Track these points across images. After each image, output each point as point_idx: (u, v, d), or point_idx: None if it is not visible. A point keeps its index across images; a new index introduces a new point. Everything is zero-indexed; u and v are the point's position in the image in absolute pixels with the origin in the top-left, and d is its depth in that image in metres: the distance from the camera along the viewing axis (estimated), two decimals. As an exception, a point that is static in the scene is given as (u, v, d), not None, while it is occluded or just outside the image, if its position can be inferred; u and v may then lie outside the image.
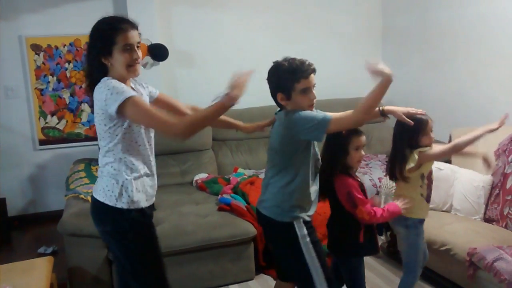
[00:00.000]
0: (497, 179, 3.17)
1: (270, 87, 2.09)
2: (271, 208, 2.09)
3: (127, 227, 1.95)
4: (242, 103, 5.38)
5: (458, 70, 4.23)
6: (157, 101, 2.21)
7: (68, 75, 4.38)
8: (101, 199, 1.94)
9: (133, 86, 2.01)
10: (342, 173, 2.21)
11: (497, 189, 3.14)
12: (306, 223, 2.08)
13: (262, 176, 4.02)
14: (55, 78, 4.36)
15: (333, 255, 2.39)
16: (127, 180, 1.92)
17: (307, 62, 2.00)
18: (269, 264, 3.27)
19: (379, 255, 3.49)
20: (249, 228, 3.15)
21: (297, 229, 2.04)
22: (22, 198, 4.46)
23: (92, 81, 1.90)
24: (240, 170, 4.22)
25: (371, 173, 3.97)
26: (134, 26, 1.89)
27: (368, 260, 3.12)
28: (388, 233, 3.49)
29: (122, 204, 1.92)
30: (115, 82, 1.82)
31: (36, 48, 4.27)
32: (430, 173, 2.43)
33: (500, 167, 3.19)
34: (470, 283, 2.70)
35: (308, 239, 2.04)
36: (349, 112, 1.90)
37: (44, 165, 4.45)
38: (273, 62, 2.08)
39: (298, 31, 4.92)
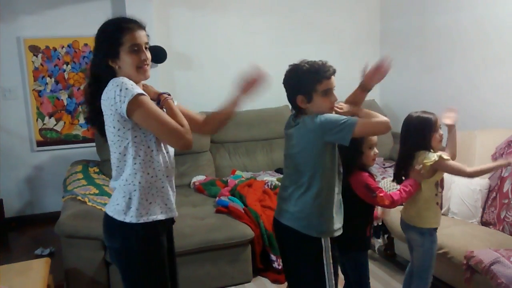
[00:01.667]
0: (494, 182, 3.18)
1: (288, 90, 2.01)
2: (297, 221, 1.97)
3: (134, 245, 1.81)
4: (240, 106, 5.34)
5: (455, 73, 4.24)
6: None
7: (66, 76, 4.38)
8: (110, 213, 1.83)
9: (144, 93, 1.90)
10: (358, 170, 2.24)
11: (494, 193, 3.15)
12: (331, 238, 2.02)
13: (259, 178, 4.02)
14: (53, 79, 4.36)
15: (341, 252, 2.40)
16: (135, 190, 1.78)
17: (328, 63, 1.95)
18: (266, 267, 3.27)
19: (376, 258, 3.50)
20: (247, 231, 3.15)
21: (323, 244, 1.97)
22: (19, 199, 4.45)
23: (100, 86, 1.76)
24: (238, 172, 4.22)
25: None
26: (141, 26, 1.81)
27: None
28: (386, 236, 3.50)
29: (130, 218, 1.79)
30: (125, 79, 1.72)
31: (34, 49, 4.27)
32: (442, 180, 2.43)
33: (497, 171, 3.20)
34: (467, 287, 2.70)
35: (330, 254, 1.99)
36: (379, 118, 1.92)
37: (41, 166, 4.44)
38: (290, 65, 2.01)
39: (296, 34, 4.93)
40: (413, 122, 2.39)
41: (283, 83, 2.02)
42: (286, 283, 2.95)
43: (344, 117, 1.89)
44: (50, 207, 4.43)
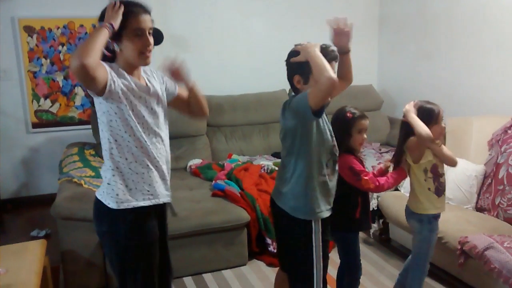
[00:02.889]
0: (490, 168, 3.19)
1: (288, 69, 1.99)
2: (292, 204, 2.01)
3: (120, 230, 1.81)
4: (237, 90, 5.37)
5: (453, 59, 4.23)
6: (177, 100, 2.05)
7: (61, 58, 4.34)
8: (99, 197, 1.84)
9: (146, 79, 1.88)
10: (345, 152, 2.24)
11: (490, 179, 3.17)
12: (322, 220, 2.05)
13: (256, 162, 4.03)
14: (48, 60, 4.31)
15: (331, 233, 2.43)
16: (114, 175, 1.78)
17: (330, 48, 1.93)
18: (261, 250, 3.29)
19: (371, 242, 3.53)
20: (243, 214, 3.16)
21: (313, 227, 2.01)
22: (15, 181, 4.44)
23: None
24: (234, 156, 4.22)
25: (365, 161, 3.98)
26: (146, 10, 1.76)
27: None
28: (381, 220, 3.52)
29: (113, 204, 1.78)
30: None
31: (29, 30, 4.21)
32: (435, 166, 2.39)
33: (493, 157, 3.21)
34: (461, 271, 2.74)
35: (320, 238, 2.03)
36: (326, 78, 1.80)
37: (37, 148, 4.43)
38: (295, 45, 1.98)
39: (294, 18, 4.89)
40: (416, 111, 2.35)
41: (286, 61, 2.00)
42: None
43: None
44: (46, 189, 4.43)
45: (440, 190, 2.40)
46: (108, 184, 1.79)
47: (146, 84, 1.86)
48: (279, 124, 2.06)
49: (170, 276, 2.10)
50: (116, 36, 1.71)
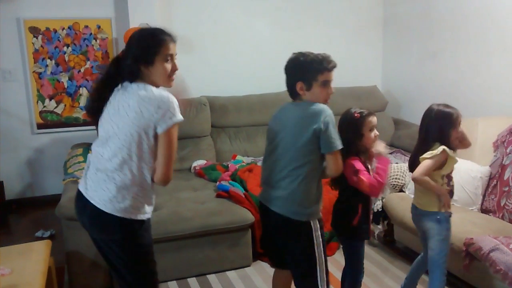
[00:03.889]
0: (495, 170, 3.18)
1: (289, 76, 2.12)
2: (288, 207, 2.07)
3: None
4: (241, 90, 5.36)
5: (458, 60, 4.21)
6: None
7: (66, 58, 4.35)
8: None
9: None
10: (353, 156, 2.24)
11: (495, 180, 3.15)
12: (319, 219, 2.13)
13: (260, 163, 4.01)
14: (53, 61, 4.33)
15: (337, 236, 2.43)
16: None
17: (331, 57, 2.08)
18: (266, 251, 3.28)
19: (375, 244, 3.52)
20: (247, 215, 3.16)
21: (312, 226, 2.08)
22: (20, 181, 4.46)
23: (116, 84, 1.94)
24: (238, 157, 4.22)
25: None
26: (174, 39, 1.93)
27: (364, 248, 3.14)
28: (385, 222, 3.51)
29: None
30: (173, 98, 1.83)
31: (34, 31, 4.23)
32: (451, 171, 2.41)
33: (498, 158, 3.20)
34: (466, 273, 2.72)
35: (319, 233, 2.10)
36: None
37: (42, 149, 4.44)
38: (294, 53, 2.12)
39: (299, 18, 4.89)
40: (433, 115, 2.35)
41: (285, 68, 2.11)
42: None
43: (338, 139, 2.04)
44: (51, 190, 4.44)
45: (452, 192, 2.43)
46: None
47: None
48: (286, 128, 2.13)
49: None
50: (149, 60, 1.86)
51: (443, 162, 2.33)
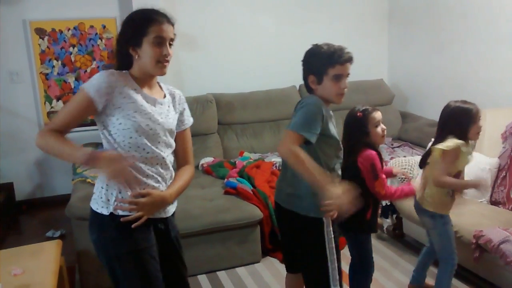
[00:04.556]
0: (504, 161, 3.16)
1: (304, 69, 2.02)
2: (305, 205, 2.00)
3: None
4: (247, 87, 5.34)
5: (465, 51, 4.18)
6: (179, 136, 1.94)
7: (72, 59, 4.37)
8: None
9: (165, 92, 1.89)
10: (367, 147, 2.24)
11: (504, 172, 3.13)
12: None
13: (267, 159, 4.02)
14: (60, 62, 4.35)
15: (342, 231, 2.43)
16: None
17: (346, 50, 1.96)
18: (275, 247, 3.29)
19: (384, 238, 3.51)
20: (255, 212, 3.16)
21: (325, 223, 2.01)
22: (30, 182, 4.49)
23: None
24: (245, 154, 4.22)
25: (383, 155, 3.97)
26: (170, 21, 1.75)
27: (373, 242, 3.13)
28: (394, 216, 3.50)
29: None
30: (107, 72, 1.72)
31: (40, 32, 4.25)
32: (459, 173, 2.40)
33: (507, 150, 3.18)
34: (476, 266, 2.71)
35: (331, 230, 2.02)
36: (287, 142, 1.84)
37: (50, 149, 4.46)
38: (312, 45, 2.00)
39: (303, 13, 4.87)
40: (452, 111, 2.35)
41: (302, 60, 2.02)
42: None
43: (301, 120, 1.87)
44: (60, 190, 4.47)
45: (454, 193, 2.43)
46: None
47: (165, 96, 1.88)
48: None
49: None
50: (136, 42, 1.70)
51: (456, 158, 2.32)
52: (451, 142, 2.29)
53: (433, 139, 2.48)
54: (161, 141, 1.80)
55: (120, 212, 1.74)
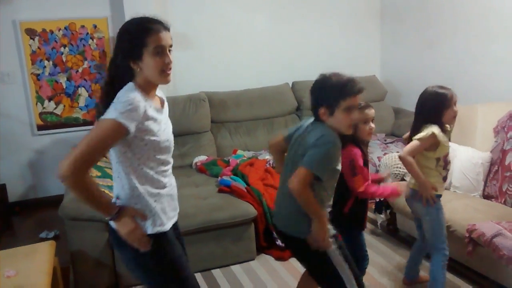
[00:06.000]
0: (496, 155, 3.18)
1: (313, 99, 1.99)
2: (298, 228, 2.00)
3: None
4: (240, 85, 5.34)
5: (456, 47, 4.20)
6: None
7: (64, 59, 4.35)
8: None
9: (159, 96, 1.84)
10: (351, 144, 2.24)
11: (496, 166, 3.15)
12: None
13: (261, 157, 4.02)
14: (51, 62, 4.32)
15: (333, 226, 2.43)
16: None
17: (356, 80, 1.94)
18: (269, 244, 3.29)
19: (378, 233, 3.52)
20: (250, 209, 3.16)
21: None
22: (22, 183, 4.46)
23: (116, 86, 1.69)
24: (239, 152, 4.22)
25: (371, 152, 3.98)
26: (166, 27, 1.71)
27: (367, 237, 3.15)
28: (388, 211, 3.52)
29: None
30: (135, 95, 1.63)
31: (30, 32, 4.22)
32: (446, 155, 2.44)
33: (499, 144, 3.20)
34: (470, 259, 2.73)
35: (334, 246, 2.01)
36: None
37: (43, 150, 4.44)
38: (320, 74, 1.99)
39: (296, 11, 4.87)
40: (428, 96, 2.39)
41: (310, 91, 2.01)
42: (289, 260, 2.99)
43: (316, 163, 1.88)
44: (53, 191, 4.45)
45: (445, 177, 2.47)
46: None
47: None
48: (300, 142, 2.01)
49: None
50: (136, 55, 1.66)
51: (435, 144, 2.35)
52: (425, 131, 2.34)
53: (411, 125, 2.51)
54: (172, 149, 1.85)
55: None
